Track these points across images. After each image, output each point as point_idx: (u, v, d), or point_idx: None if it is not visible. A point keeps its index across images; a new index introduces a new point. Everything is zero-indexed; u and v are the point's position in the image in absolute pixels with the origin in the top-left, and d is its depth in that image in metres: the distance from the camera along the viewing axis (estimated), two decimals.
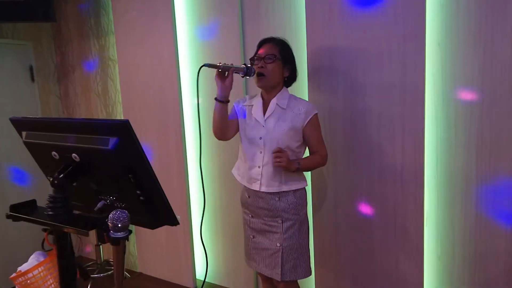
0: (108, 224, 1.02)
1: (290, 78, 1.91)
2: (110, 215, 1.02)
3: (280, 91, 1.86)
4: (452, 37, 1.84)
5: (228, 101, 1.80)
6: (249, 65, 1.79)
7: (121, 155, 1.06)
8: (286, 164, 1.74)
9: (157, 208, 1.15)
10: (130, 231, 1.05)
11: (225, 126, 1.86)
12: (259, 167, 1.83)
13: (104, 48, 3.21)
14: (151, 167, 1.07)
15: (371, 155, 2.06)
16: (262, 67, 1.79)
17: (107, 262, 3.35)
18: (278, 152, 1.75)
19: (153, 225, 1.19)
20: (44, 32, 3.49)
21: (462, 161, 1.89)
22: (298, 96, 1.94)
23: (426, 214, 1.98)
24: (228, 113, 1.86)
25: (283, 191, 1.83)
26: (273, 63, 1.79)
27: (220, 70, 1.72)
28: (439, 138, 1.93)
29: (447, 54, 1.86)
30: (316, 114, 1.86)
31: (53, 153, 1.20)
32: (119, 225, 1.01)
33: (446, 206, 1.96)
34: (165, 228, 2.92)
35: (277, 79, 1.84)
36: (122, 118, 3.13)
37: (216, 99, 1.79)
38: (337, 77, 2.10)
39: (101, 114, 3.37)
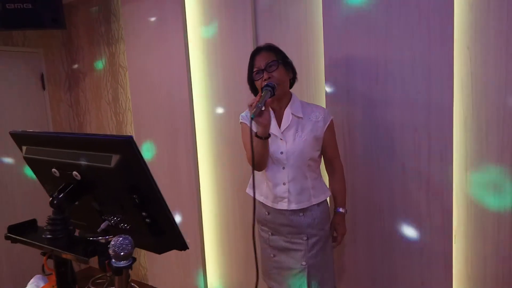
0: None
1: (294, 77, 1.78)
2: (112, 242, 0.92)
3: (290, 98, 1.74)
4: (482, 40, 1.71)
5: (270, 135, 1.62)
6: (269, 84, 1.59)
7: (125, 174, 0.96)
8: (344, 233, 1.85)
9: (164, 232, 1.05)
10: (134, 259, 0.95)
11: (267, 157, 1.69)
12: (284, 184, 1.71)
13: (115, 55, 3.15)
14: (157, 188, 0.97)
15: (393, 167, 1.93)
16: (269, 78, 1.64)
17: None
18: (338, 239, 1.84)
19: (160, 250, 1.09)
20: (55, 40, 3.46)
21: (494, 174, 1.74)
22: (314, 104, 1.83)
23: (455, 230, 1.84)
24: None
25: (309, 206, 1.73)
26: (278, 70, 1.66)
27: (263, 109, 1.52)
28: (468, 149, 1.79)
29: (477, 58, 1.73)
30: (332, 119, 1.77)
31: (53, 170, 1.11)
32: (122, 253, 0.91)
33: (477, 221, 1.81)
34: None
35: (287, 84, 1.73)
36: (132, 126, 3.05)
37: (258, 136, 1.58)
38: (356, 83, 1.98)
39: (111, 122, 3.31)
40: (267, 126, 1.56)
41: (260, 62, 1.67)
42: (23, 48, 3.25)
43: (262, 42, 2.31)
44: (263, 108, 1.50)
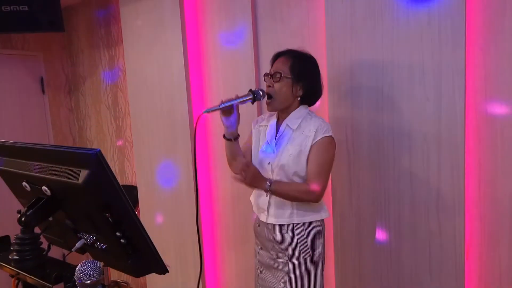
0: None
1: (308, 96, 1.63)
2: (78, 268, 0.82)
3: (295, 109, 1.62)
4: (497, 43, 1.58)
5: (237, 137, 1.62)
6: (255, 89, 1.58)
7: (94, 191, 0.87)
8: (249, 181, 1.49)
9: (141, 253, 0.95)
10: (104, 286, 0.85)
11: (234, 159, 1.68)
12: (266, 195, 1.61)
13: (114, 58, 3.08)
14: (130, 206, 0.87)
15: (401, 179, 1.80)
16: (270, 86, 1.58)
17: (116, 283, 3.18)
18: (244, 168, 1.48)
19: (137, 273, 0.99)
20: (55, 43, 3.40)
21: (510, 186, 1.61)
22: (318, 114, 1.71)
23: (467, 248, 1.71)
24: (240, 146, 1.68)
25: (292, 224, 1.59)
26: (279, 82, 1.55)
27: (222, 109, 1.53)
28: (482, 160, 1.66)
29: (491, 62, 1.60)
30: (328, 137, 1.54)
31: (24, 183, 1.02)
32: (88, 281, 0.81)
33: (491, 238, 1.68)
34: (174, 252, 2.74)
35: (288, 100, 1.59)
36: (131, 131, 2.97)
37: (224, 137, 1.61)
38: (360, 91, 1.86)
39: (111, 127, 3.24)
40: (230, 127, 1.58)
41: (274, 66, 1.61)
42: (23, 51, 3.20)
43: (262, 46, 2.22)
44: (222, 105, 1.51)
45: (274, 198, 1.59)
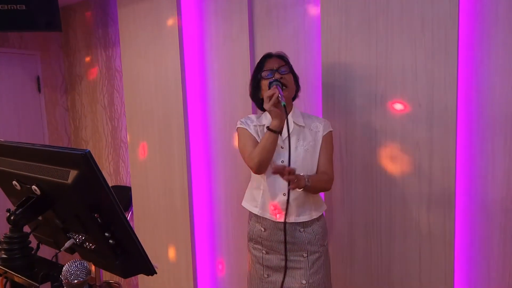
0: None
1: (296, 95, 1.75)
2: (65, 267, 0.83)
3: (292, 108, 1.68)
4: (490, 51, 1.60)
5: (282, 131, 1.57)
6: (277, 79, 1.58)
7: (83, 191, 0.87)
8: (298, 182, 1.46)
9: (130, 254, 0.96)
10: (90, 286, 0.85)
11: (272, 158, 1.59)
12: (284, 194, 1.61)
13: (111, 59, 3.09)
14: (119, 207, 0.87)
15: (392, 182, 1.82)
16: (281, 78, 1.61)
17: (108, 284, 3.18)
18: (291, 174, 1.44)
19: (125, 273, 0.99)
20: (52, 42, 3.40)
21: (500, 191, 1.63)
22: (314, 115, 1.77)
23: (456, 252, 1.72)
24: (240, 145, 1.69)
25: (308, 220, 1.64)
26: (288, 74, 1.64)
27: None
28: (473, 165, 1.68)
29: (484, 70, 1.62)
30: (331, 131, 1.70)
31: (14, 182, 1.03)
32: (75, 281, 0.81)
33: (481, 242, 1.69)
34: (166, 253, 2.74)
35: (293, 93, 1.69)
36: (126, 132, 2.97)
37: (273, 131, 1.52)
38: (354, 94, 1.87)
39: (106, 127, 3.24)
40: (283, 119, 1.52)
41: (273, 64, 1.65)
42: (20, 50, 3.20)
43: (258, 48, 2.23)
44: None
45: (294, 197, 1.60)
